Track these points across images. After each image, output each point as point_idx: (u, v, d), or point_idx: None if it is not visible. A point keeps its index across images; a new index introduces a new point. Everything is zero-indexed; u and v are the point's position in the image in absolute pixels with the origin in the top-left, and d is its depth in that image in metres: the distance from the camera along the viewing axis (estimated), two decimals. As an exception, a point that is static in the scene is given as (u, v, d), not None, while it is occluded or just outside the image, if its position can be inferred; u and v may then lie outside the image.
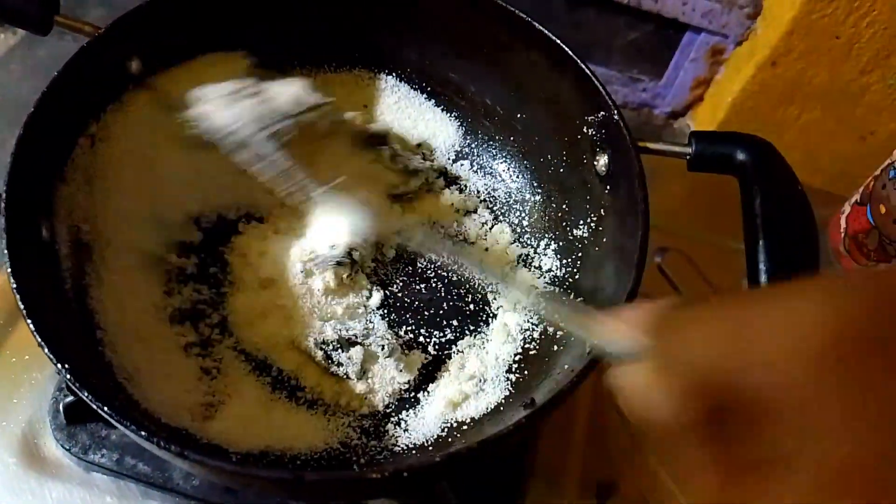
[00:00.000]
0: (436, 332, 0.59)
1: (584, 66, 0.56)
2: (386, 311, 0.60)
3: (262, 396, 0.54)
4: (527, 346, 0.58)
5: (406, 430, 0.54)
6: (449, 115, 0.69)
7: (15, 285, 0.43)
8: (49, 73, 0.52)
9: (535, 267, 0.62)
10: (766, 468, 0.24)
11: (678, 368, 0.28)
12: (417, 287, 0.61)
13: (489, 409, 0.54)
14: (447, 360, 0.58)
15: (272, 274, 0.58)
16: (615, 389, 0.31)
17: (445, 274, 0.62)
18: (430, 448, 0.52)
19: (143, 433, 0.38)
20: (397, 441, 0.53)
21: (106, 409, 0.39)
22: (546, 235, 0.63)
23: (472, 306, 0.61)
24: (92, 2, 1.01)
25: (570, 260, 0.60)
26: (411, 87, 0.69)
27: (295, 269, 0.58)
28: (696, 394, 0.27)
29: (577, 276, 0.59)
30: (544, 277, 0.61)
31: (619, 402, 0.31)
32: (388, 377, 0.56)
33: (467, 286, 0.61)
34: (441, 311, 0.61)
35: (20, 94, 0.98)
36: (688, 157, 0.52)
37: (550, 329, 0.57)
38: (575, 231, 0.60)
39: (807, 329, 0.25)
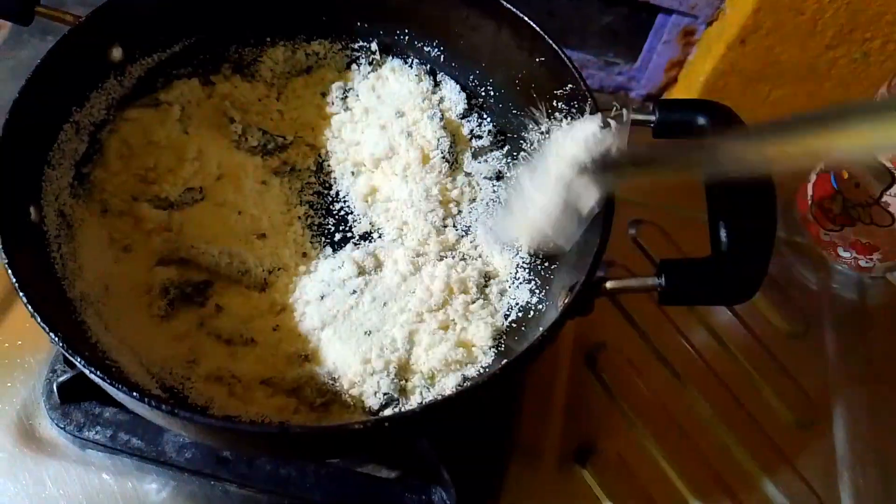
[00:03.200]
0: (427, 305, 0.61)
1: (550, 42, 0.58)
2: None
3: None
4: (507, 314, 0.60)
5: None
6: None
7: (6, 261, 0.44)
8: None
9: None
10: None
11: None
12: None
13: (472, 375, 0.56)
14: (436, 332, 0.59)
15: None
16: None
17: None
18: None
19: (135, 394, 0.40)
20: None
21: (99, 373, 0.41)
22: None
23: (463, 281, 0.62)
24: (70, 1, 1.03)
25: (545, 230, 0.62)
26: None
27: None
28: None
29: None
30: (522, 247, 0.63)
31: None
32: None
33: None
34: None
35: (3, 95, 0.99)
36: (652, 125, 0.55)
37: (532, 300, 0.59)
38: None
39: None
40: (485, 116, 0.69)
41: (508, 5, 0.59)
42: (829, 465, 0.65)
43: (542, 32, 0.58)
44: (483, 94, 0.68)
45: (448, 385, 0.55)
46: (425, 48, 0.69)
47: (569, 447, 0.63)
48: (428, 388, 0.55)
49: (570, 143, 0.50)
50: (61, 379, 0.58)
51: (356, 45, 0.70)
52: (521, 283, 0.60)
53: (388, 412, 0.53)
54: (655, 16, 0.96)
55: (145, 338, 0.55)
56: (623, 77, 1.04)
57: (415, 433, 0.51)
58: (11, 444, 0.59)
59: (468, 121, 0.69)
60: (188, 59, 0.65)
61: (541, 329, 0.54)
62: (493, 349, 0.57)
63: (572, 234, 0.52)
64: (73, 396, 0.58)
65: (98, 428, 0.58)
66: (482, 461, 0.59)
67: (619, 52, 1.01)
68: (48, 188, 0.55)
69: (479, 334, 0.57)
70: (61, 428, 0.58)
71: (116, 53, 0.60)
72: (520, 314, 0.59)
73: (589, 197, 0.49)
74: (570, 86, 0.58)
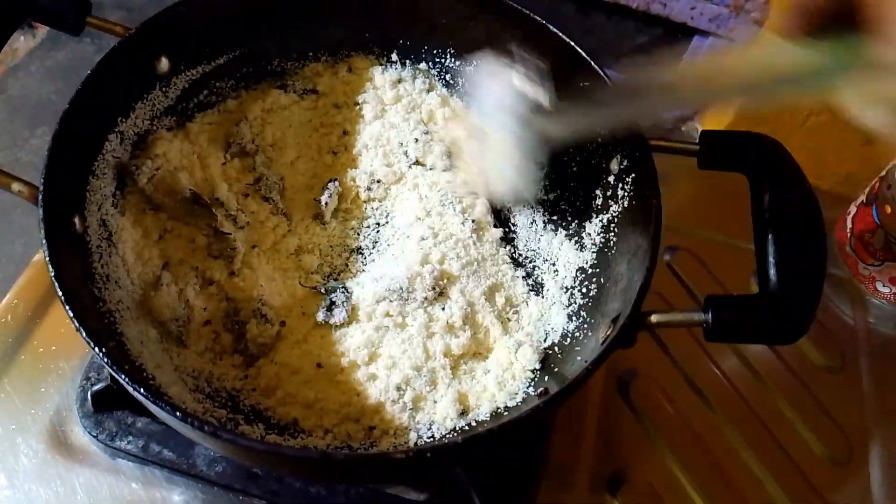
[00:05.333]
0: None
1: (597, 68, 0.58)
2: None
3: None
4: (543, 340, 0.59)
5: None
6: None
7: (53, 273, 0.45)
8: (67, 75, 0.53)
9: (551, 261, 0.64)
10: None
11: None
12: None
13: (507, 403, 0.56)
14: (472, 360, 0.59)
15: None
16: None
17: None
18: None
19: (178, 414, 0.40)
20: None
21: (142, 390, 0.40)
22: (560, 233, 0.65)
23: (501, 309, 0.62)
24: (109, 7, 1.04)
25: (584, 256, 0.62)
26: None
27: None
28: None
29: (588, 272, 0.60)
30: (559, 272, 0.62)
31: None
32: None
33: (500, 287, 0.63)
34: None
35: (40, 95, 1.00)
36: (698, 156, 0.54)
37: (569, 327, 0.59)
38: (588, 228, 0.62)
39: None
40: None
41: (557, 31, 0.59)
42: (863, 504, 0.64)
43: (588, 59, 0.58)
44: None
45: (482, 412, 0.55)
46: (466, 67, 0.69)
47: (600, 475, 0.62)
48: (460, 416, 0.54)
49: (506, 93, 0.52)
50: (96, 388, 0.58)
51: (395, 61, 0.70)
52: (559, 308, 0.60)
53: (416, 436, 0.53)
54: (691, 38, 0.96)
55: (182, 351, 0.55)
56: (657, 98, 1.03)
57: (454, 463, 0.51)
58: (44, 450, 0.59)
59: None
60: (232, 70, 0.66)
61: (578, 358, 0.53)
62: (530, 380, 0.57)
63: (528, 184, 0.55)
64: (106, 405, 0.58)
65: (130, 438, 0.58)
66: (513, 486, 0.58)
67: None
68: (92, 198, 0.55)
69: (520, 362, 0.56)
70: (93, 436, 0.58)
71: (163, 65, 0.60)
72: (556, 340, 0.58)
73: (538, 143, 0.52)
74: (614, 112, 0.57)
